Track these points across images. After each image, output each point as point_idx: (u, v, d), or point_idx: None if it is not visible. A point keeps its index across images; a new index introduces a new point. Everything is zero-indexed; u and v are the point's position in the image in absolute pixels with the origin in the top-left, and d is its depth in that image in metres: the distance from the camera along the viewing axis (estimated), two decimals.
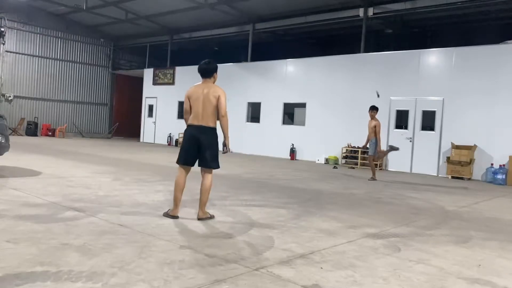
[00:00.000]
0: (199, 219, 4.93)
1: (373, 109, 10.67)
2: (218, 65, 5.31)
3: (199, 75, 5.20)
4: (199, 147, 4.88)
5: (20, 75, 22.17)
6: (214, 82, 5.13)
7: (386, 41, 18.08)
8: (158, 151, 16.59)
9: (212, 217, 5.04)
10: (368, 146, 10.76)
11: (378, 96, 13.62)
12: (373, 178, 10.54)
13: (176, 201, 4.94)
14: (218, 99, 4.89)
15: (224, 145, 5.05)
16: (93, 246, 3.68)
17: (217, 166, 4.98)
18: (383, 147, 11.56)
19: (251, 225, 4.86)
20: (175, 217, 4.91)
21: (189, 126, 4.99)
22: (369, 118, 10.69)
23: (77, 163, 10.20)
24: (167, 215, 4.98)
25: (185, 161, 4.95)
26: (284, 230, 4.70)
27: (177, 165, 5.07)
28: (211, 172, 4.99)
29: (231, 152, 5.11)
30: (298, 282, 3.12)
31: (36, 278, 2.89)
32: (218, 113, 4.91)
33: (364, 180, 10.63)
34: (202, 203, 4.98)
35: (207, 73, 5.08)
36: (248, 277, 3.16)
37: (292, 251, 3.89)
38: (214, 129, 4.95)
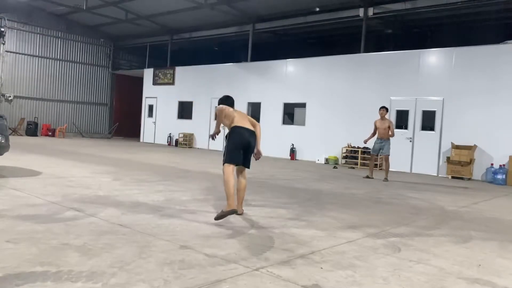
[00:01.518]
0: (239, 214, 5.24)
1: (384, 108, 10.62)
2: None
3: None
4: (247, 147, 5.18)
5: (20, 75, 22.17)
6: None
7: (386, 41, 18.08)
8: (158, 151, 16.59)
9: (242, 212, 5.40)
10: (366, 143, 10.75)
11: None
12: (385, 179, 10.48)
13: (229, 197, 4.93)
14: (248, 116, 5.53)
15: (257, 151, 5.37)
16: (93, 246, 3.68)
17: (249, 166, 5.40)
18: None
19: (251, 225, 4.86)
20: (234, 211, 4.94)
21: (239, 127, 5.18)
22: (379, 117, 10.64)
23: (77, 163, 10.20)
24: (223, 214, 4.83)
25: (235, 160, 5.14)
26: (284, 230, 4.70)
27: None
28: (246, 171, 5.39)
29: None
30: (298, 282, 3.12)
31: (36, 278, 2.89)
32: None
33: (364, 180, 10.63)
34: (242, 200, 5.34)
35: (231, 105, 5.45)
36: (248, 277, 3.16)
37: (292, 251, 3.89)
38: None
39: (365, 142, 11.02)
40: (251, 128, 5.23)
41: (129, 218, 4.81)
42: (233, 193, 5.00)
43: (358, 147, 14.38)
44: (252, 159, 5.33)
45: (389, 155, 10.54)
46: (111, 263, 3.26)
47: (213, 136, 5.57)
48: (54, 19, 22.94)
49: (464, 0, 13.80)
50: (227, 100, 5.46)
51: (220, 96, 5.62)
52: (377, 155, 11.13)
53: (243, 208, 5.41)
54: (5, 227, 4.11)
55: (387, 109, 10.74)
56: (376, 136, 10.74)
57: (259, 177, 9.74)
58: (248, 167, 5.32)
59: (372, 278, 3.31)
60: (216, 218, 4.84)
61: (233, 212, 4.92)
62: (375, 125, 10.75)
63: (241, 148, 5.15)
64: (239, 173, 5.31)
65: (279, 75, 17.20)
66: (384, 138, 10.50)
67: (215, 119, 5.51)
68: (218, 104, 5.44)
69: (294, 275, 3.26)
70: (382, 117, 10.59)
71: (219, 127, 5.44)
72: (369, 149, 14.11)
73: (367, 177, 10.82)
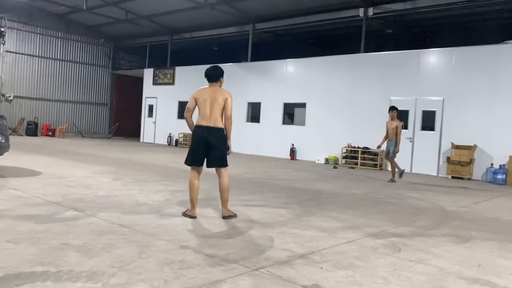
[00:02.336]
0: (223, 217, 5.03)
1: (394, 109, 10.46)
2: (218, 65, 5.36)
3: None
4: (208, 148, 4.94)
5: (20, 75, 22.17)
6: (220, 86, 5.23)
7: (386, 41, 18.08)
8: (158, 151, 16.59)
9: (235, 215, 5.13)
10: (385, 146, 10.52)
11: None
12: (392, 180, 10.35)
13: (193, 201, 5.00)
14: (225, 101, 5.01)
15: (227, 146, 5.12)
16: (93, 246, 3.68)
17: (226, 164, 5.07)
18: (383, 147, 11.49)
19: (251, 225, 4.86)
20: (193, 217, 4.97)
21: (197, 126, 5.03)
22: (389, 119, 10.45)
23: (77, 163, 10.20)
24: (185, 215, 5.04)
25: (193, 161, 5.03)
26: (284, 230, 4.70)
27: (188, 166, 5.14)
28: (226, 170, 5.08)
29: (231, 152, 5.15)
30: (298, 282, 3.12)
31: (36, 278, 2.89)
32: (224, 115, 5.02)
33: (364, 180, 10.62)
34: (224, 202, 5.08)
35: (214, 77, 5.19)
36: (248, 277, 3.16)
37: (292, 251, 3.89)
38: (222, 130, 5.03)
39: (379, 147, 10.73)
40: (215, 124, 4.93)
41: (129, 218, 4.81)
42: (194, 198, 4.97)
43: (358, 147, 14.38)
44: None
45: (394, 156, 10.38)
46: (111, 263, 3.26)
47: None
48: (54, 19, 22.94)
49: (464, 0, 13.80)
50: (209, 77, 5.17)
51: None
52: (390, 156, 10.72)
53: (230, 210, 5.13)
54: (5, 227, 4.11)
55: (396, 110, 10.49)
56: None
57: (259, 177, 9.74)
58: (217, 166, 5.02)
59: (372, 278, 3.31)
60: (182, 214, 5.08)
61: (192, 217, 4.93)
62: (386, 127, 10.54)
63: (199, 149, 4.96)
64: (217, 173, 5.11)
65: (279, 75, 17.20)
66: (392, 139, 10.35)
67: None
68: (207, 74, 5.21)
69: (294, 275, 3.26)
70: (392, 118, 10.39)
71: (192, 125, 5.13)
72: (369, 149, 14.17)
73: (391, 180, 10.47)
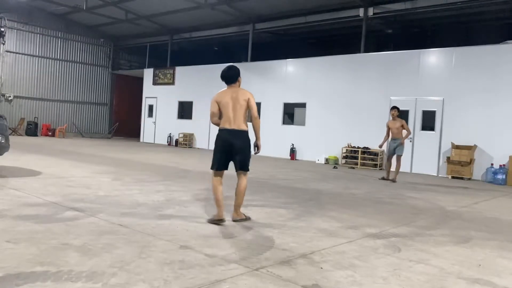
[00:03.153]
0: (233, 220, 4.95)
1: (395, 108, 10.48)
2: (218, 65, 5.32)
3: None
4: (233, 151, 4.87)
5: (20, 75, 22.17)
6: (239, 86, 5.12)
7: (386, 41, 18.09)
8: (158, 151, 16.59)
9: (248, 218, 5.07)
10: (386, 146, 10.53)
11: None
12: (394, 180, 10.28)
13: (218, 203, 4.84)
14: (248, 101, 4.92)
15: (256, 146, 5.04)
16: (93, 246, 3.68)
17: (248, 169, 5.00)
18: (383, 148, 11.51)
19: (251, 225, 4.86)
20: (222, 220, 4.80)
21: (221, 130, 4.93)
22: (390, 118, 10.52)
23: (77, 163, 10.20)
24: (213, 221, 4.82)
25: (219, 166, 4.92)
26: (284, 230, 4.70)
27: (211, 171, 5.00)
28: (246, 175, 5.00)
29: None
30: (298, 282, 3.12)
31: (36, 278, 2.89)
32: (249, 116, 4.96)
33: (364, 180, 10.62)
34: (237, 205, 5.00)
35: (232, 78, 5.06)
36: (248, 277, 3.16)
37: (292, 251, 3.89)
38: (246, 132, 4.94)
39: (380, 146, 10.87)
40: (239, 127, 4.85)
41: (129, 218, 4.81)
42: (219, 200, 4.84)
43: (358, 147, 14.38)
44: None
45: (401, 155, 10.38)
46: (111, 263, 3.26)
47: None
48: (54, 19, 22.94)
49: (464, 0, 13.80)
50: (226, 79, 5.04)
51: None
52: (393, 156, 10.64)
53: (241, 213, 5.06)
54: (5, 227, 4.11)
55: (398, 109, 10.54)
56: (390, 137, 10.52)
57: (259, 177, 9.74)
58: (241, 170, 4.94)
59: (372, 278, 3.31)
60: (208, 221, 4.88)
61: (218, 221, 4.77)
62: (387, 127, 10.54)
63: (223, 152, 4.88)
64: (237, 176, 5.03)
65: (279, 75, 17.20)
66: (398, 138, 10.33)
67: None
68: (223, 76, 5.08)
69: (294, 275, 3.26)
70: (394, 118, 10.41)
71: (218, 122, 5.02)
72: (370, 149, 14.17)
73: (383, 178, 10.59)
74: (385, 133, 10.66)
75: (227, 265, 3.39)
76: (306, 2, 16.26)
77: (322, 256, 3.80)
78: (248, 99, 4.92)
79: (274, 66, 17.42)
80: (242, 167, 4.93)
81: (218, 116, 5.00)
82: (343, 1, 15.64)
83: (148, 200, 6.01)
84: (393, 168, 10.55)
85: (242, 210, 5.16)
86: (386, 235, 4.77)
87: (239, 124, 4.87)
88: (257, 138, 5.01)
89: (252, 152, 5.06)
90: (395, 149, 10.40)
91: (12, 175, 7.52)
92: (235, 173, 5.03)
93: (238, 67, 5.22)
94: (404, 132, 10.51)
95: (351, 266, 3.56)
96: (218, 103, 4.96)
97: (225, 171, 5.05)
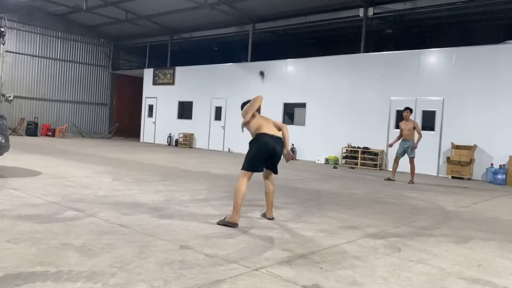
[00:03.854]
0: (269, 219, 5.21)
1: (408, 109, 10.45)
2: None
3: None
4: (273, 155, 5.05)
5: (20, 75, 22.17)
6: None
7: (386, 41, 18.08)
8: (158, 151, 16.59)
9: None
10: (397, 146, 10.55)
11: (263, 76, 13.20)
12: (411, 181, 10.24)
13: (238, 208, 4.81)
14: (273, 120, 5.28)
15: (287, 152, 5.22)
16: (93, 246, 3.68)
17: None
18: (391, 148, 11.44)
19: (251, 225, 4.86)
20: (235, 224, 4.74)
21: (265, 134, 5.02)
22: (404, 120, 10.49)
23: (77, 163, 10.20)
24: (226, 223, 4.76)
25: (255, 168, 5.02)
26: (284, 230, 4.70)
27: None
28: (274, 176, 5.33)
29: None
30: (298, 282, 3.12)
31: (36, 278, 2.89)
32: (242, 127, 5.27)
33: (364, 180, 10.62)
34: (271, 204, 5.28)
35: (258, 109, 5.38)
36: (248, 277, 3.16)
37: (292, 251, 3.89)
38: (282, 139, 5.19)
39: (391, 145, 10.83)
40: (277, 134, 5.11)
41: (129, 218, 4.81)
42: (240, 205, 4.80)
43: (358, 147, 14.39)
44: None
45: (414, 157, 10.35)
46: (111, 263, 3.26)
47: (242, 128, 5.38)
48: (54, 19, 22.94)
49: (464, 0, 13.80)
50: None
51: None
52: (401, 157, 10.61)
53: (273, 212, 5.31)
54: (5, 227, 4.11)
55: (411, 110, 10.56)
56: (401, 138, 10.51)
57: (259, 178, 9.72)
58: (276, 173, 5.26)
59: (372, 278, 3.31)
60: (218, 223, 4.83)
61: (233, 226, 4.71)
62: (400, 128, 10.58)
63: (265, 156, 5.01)
64: (266, 177, 5.25)
65: (279, 75, 17.20)
66: (409, 139, 10.33)
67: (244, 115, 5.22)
68: (242, 108, 5.29)
69: (294, 275, 3.26)
70: (407, 119, 10.41)
71: (248, 119, 5.18)
72: (369, 149, 14.17)
73: (389, 179, 10.57)
74: (398, 134, 10.65)
75: (227, 265, 3.39)
76: (306, 2, 16.26)
77: (322, 256, 3.80)
78: (272, 120, 5.29)
79: (274, 66, 17.42)
80: (276, 170, 5.27)
81: (251, 114, 5.18)
82: (343, 1, 15.64)
83: (148, 200, 6.01)
84: (399, 169, 10.59)
85: (243, 210, 5.18)
86: (386, 235, 4.77)
87: (276, 132, 5.15)
88: (287, 145, 5.23)
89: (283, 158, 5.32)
90: (405, 151, 10.37)
91: (12, 175, 7.52)
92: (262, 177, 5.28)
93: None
94: (416, 135, 10.42)
95: (351, 266, 3.56)
96: (252, 116, 5.19)
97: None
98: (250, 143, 5.10)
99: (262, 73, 12.84)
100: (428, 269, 3.62)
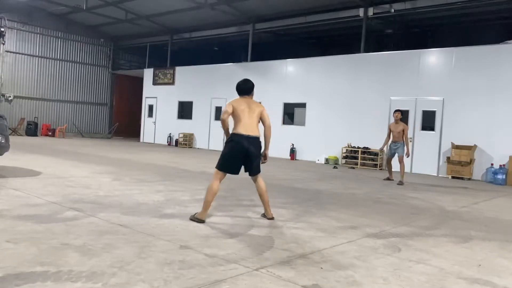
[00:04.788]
0: (270, 218, 5.17)
1: (398, 111, 10.28)
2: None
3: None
4: (247, 157, 4.98)
5: (20, 75, 22.17)
6: (251, 98, 5.34)
7: (386, 41, 18.08)
8: (158, 151, 16.59)
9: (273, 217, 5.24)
10: (387, 149, 10.42)
11: None
12: (401, 182, 9.97)
13: (208, 205, 4.90)
14: (262, 112, 5.17)
15: (264, 155, 5.23)
16: (93, 246, 3.68)
17: (260, 170, 5.21)
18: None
19: (251, 225, 4.86)
20: (202, 221, 4.84)
21: (238, 135, 4.98)
22: (393, 121, 10.34)
23: (77, 163, 10.20)
24: (194, 218, 4.89)
25: (228, 169, 4.99)
26: (284, 230, 4.70)
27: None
28: (260, 175, 5.21)
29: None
30: (298, 282, 3.12)
31: (36, 278, 2.89)
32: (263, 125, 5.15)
33: (364, 180, 10.62)
34: (267, 203, 5.22)
35: (247, 90, 5.30)
36: (248, 277, 3.16)
37: (292, 251, 3.89)
38: (259, 138, 5.12)
39: (381, 150, 10.60)
40: (254, 133, 4.99)
41: (129, 218, 4.81)
42: (209, 202, 4.88)
43: (358, 147, 14.38)
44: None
45: (402, 155, 10.10)
46: (111, 263, 3.26)
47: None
48: (54, 19, 22.94)
49: (464, 0, 13.80)
50: (242, 90, 5.24)
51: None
52: (392, 158, 10.49)
53: (271, 211, 5.25)
54: (5, 227, 4.11)
55: (401, 112, 10.37)
56: (391, 140, 10.34)
57: None
58: (255, 174, 5.15)
59: (372, 278, 3.31)
60: (190, 218, 4.94)
61: (200, 222, 4.79)
62: (389, 129, 10.40)
63: (239, 158, 4.95)
64: (253, 179, 5.21)
65: (279, 75, 17.20)
66: (399, 142, 10.13)
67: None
68: (237, 89, 5.27)
69: (294, 275, 3.26)
70: (397, 121, 10.21)
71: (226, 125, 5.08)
72: (369, 149, 14.17)
73: (388, 179, 10.52)
74: (385, 136, 10.59)
75: (227, 265, 3.39)
76: (306, 2, 16.26)
77: (322, 256, 3.80)
78: (262, 110, 5.20)
79: (274, 66, 17.42)
80: (257, 171, 5.15)
81: (229, 115, 5.06)
82: (343, 1, 15.64)
83: (148, 200, 6.01)
84: (395, 169, 10.52)
85: (243, 210, 5.17)
86: (386, 235, 4.77)
87: (253, 130, 5.03)
88: (266, 147, 5.21)
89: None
90: (395, 152, 10.22)
91: (12, 175, 7.52)
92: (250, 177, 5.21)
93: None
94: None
95: (351, 266, 3.56)
96: (234, 108, 5.06)
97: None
98: (226, 142, 5.09)
99: None
100: (428, 269, 3.62)
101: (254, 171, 5.12)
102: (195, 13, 19.12)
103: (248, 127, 4.99)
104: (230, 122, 5.00)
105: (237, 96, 5.32)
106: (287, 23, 18.08)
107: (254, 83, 5.51)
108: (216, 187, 4.93)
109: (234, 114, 5.06)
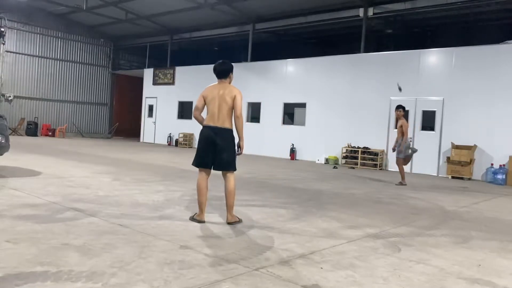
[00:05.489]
0: (228, 223, 4.80)
1: (399, 108, 9.80)
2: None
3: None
4: (215, 149, 4.73)
5: (20, 75, 22.17)
6: (230, 83, 5.05)
7: (386, 41, 18.09)
8: (158, 151, 16.59)
9: (240, 221, 4.89)
10: (397, 148, 9.84)
11: (400, 89, 12.80)
12: (401, 183, 9.75)
13: (201, 206, 4.82)
14: (234, 99, 4.79)
15: (239, 146, 4.90)
16: (93, 246, 3.68)
17: (234, 169, 4.82)
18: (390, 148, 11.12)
19: (251, 225, 4.85)
20: (201, 221, 4.79)
21: (205, 127, 4.83)
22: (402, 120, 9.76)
23: (77, 163, 10.19)
24: (193, 219, 4.85)
25: (200, 163, 4.85)
26: (284, 230, 4.70)
27: (194, 168, 4.98)
28: (232, 174, 4.84)
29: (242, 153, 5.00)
30: (298, 282, 3.12)
31: (36, 278, 2.89)
32: (233, 114, 4.84)
33: (364, 180, 10.62)
34: (229, 207, 4.83)
35: (223, 73, 5.00)
36: (248, 277, 3.16)
37: (292, 251, 3.89)
38: (230, 130, 4.80)
39: (393, 150, 10.02)
40: (222, 124, 4.73)
41: (129, 218, 4.81)
42: (203, 202, 4.80)
43: (358, 147, 14.39)
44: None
45: (397, 157, 9.81)
46: (111, 263, 3.26)
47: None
48: (54, 19, 22.94)
49: (464, 0, 13.80)
50: (218, 73, 5.01)
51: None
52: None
53: (235, 215, 4.87)
54: (5, 227, 4.11)
55: (403, 108, 9.88)
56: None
57: (259, 177, 9.74)
58: (224, 169, 4.78)
59: (372, 278, 3.31)
60: (189, 219, 4.92)
61: (200, 222, 4.75)
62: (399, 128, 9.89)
63: (207, 150, 4.74)
64: (223, 177, 4.87)
65: (279, 75, 17.20)
66: (398, 140, 9.78)
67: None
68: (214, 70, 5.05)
69: (294, 275, 3.26)
70: (399, 118, 9.87)
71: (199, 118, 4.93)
72: (369, 149, 14.18)
73: (400, 183, 9.87)
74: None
75: (227, 265, 3.39)
76: (306, 2, 16.26)
77: (322, 256, 3.80)
78: (235, 96, 4.79)
79: (274, 66, 17.42)
80: (226, 167, 4.77)
81: (201, 111, 4.93)
82: (343, 1, 15.64)
83: (148, 200, 6.01)
84: (396, 169, 10.39)
85: (243, 210, 5.15)
86: (386, 235, 4.77)
87: (223, 121, 4.75)
88: (240, 138, 4.82)
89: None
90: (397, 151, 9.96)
91: (12, 175, 7.51)
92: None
93: (234, 65, 5.18)
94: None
95: (351, 266, 3.56)
96: (205, 98, 4.89)
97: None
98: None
99: (399, 88, 12.48)
100: (428, 269, 3.62)
101: (221, 166, 4.75)
102: (195, 13, 19.12)
103: (216, 118, 4.75)
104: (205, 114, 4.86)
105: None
106: (287, 23, 18.09)
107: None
108: (201, 184, 4.81)
109: (205, 104, 4.88)
